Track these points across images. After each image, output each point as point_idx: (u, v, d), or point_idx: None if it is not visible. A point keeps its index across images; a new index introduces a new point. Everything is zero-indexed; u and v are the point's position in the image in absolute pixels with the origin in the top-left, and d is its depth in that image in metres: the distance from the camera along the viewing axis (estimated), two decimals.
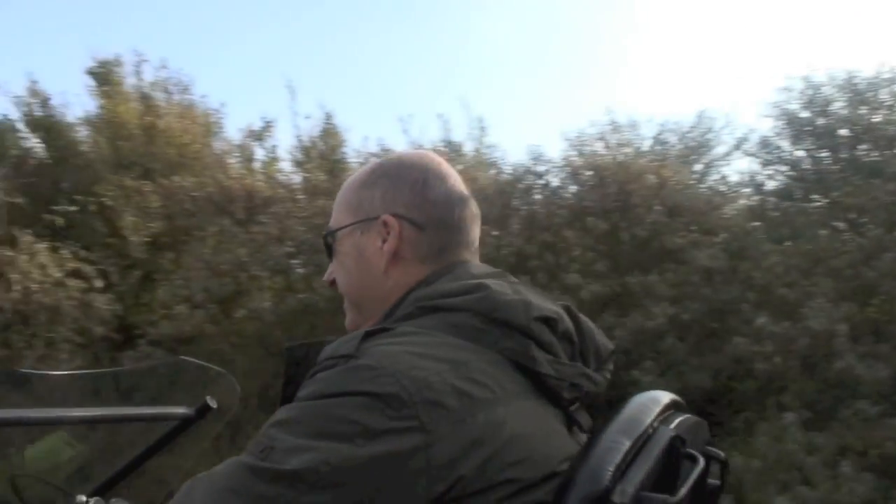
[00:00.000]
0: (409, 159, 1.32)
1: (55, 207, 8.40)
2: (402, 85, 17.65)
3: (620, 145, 8.03)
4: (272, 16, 19.03)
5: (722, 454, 1.16)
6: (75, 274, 7.85)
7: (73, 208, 8.65)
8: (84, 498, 1.60)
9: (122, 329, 7.97)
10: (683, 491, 1.01)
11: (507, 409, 1.03)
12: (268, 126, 10.27)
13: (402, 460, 0.94)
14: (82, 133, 10.24)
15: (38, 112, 10.07)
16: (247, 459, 0.97)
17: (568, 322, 1.18)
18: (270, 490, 0.93)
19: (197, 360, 1.83)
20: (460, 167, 8.30)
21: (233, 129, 10.90)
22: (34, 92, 10.04)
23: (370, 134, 15.83)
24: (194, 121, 10.28)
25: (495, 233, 6.88)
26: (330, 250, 1.33)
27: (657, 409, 1.10)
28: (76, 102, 10.42)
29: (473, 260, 1.28)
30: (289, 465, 0.93)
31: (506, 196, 7.45)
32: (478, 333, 1.09)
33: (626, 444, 1.01)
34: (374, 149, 9.17)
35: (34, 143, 10.12)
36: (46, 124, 10.05)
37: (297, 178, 9.71)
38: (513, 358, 1.09)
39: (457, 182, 1.30)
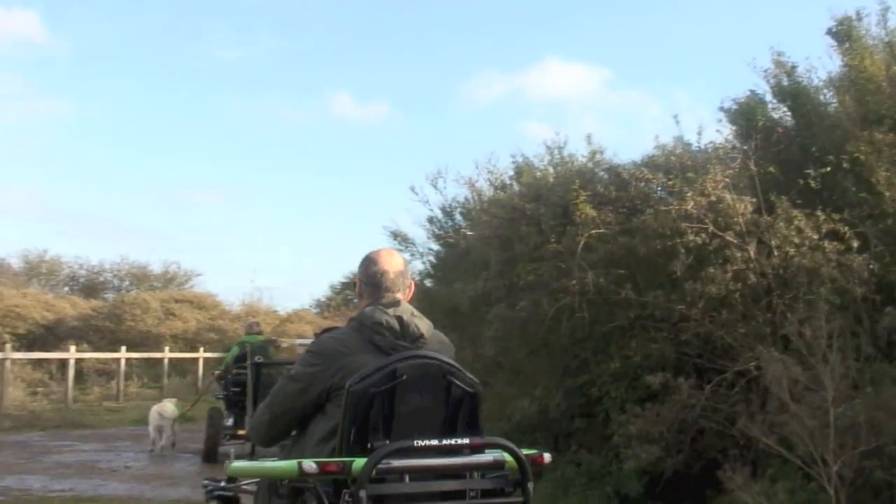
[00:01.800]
0: (370, 255, 3.07)
1: (807, 171, 8.64)
2: None
3: None
4: None
5: (456, 381, 2.76)
6: (832, 235, 7.97)
7: (824, 170, 8.78)
8: None
9: (882, 289, 7.83)
10: (383, 387, 2.63)
11: (355, 357, 2.77)
12: None
13: (315, 374, 2.84)
14: (827, 95, 10.29)
15: (784, 82, 10.45)
16: (286, 373, 3.03)
17: (394, 323, 2.83)
18: (285, 383, 2.95)
19: None
20: None
21: None
22: (779, 63, 10.40)
23: None
24: None
25: None
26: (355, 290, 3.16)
27: (398, 357, 2.70)
28: (819, 66, 10.38)
29: (392, 297, 2.97)
30: (291, 373, 2.95)
31: None
32: (358, 329, 2.87)
33: (371, 370, 2.65)
34: None
35: (782, 112, 10.53)
36: (793, 92, 10.34)
37: None
38: (367, 338, 2.83)
39: (384, 263, 3.03)
